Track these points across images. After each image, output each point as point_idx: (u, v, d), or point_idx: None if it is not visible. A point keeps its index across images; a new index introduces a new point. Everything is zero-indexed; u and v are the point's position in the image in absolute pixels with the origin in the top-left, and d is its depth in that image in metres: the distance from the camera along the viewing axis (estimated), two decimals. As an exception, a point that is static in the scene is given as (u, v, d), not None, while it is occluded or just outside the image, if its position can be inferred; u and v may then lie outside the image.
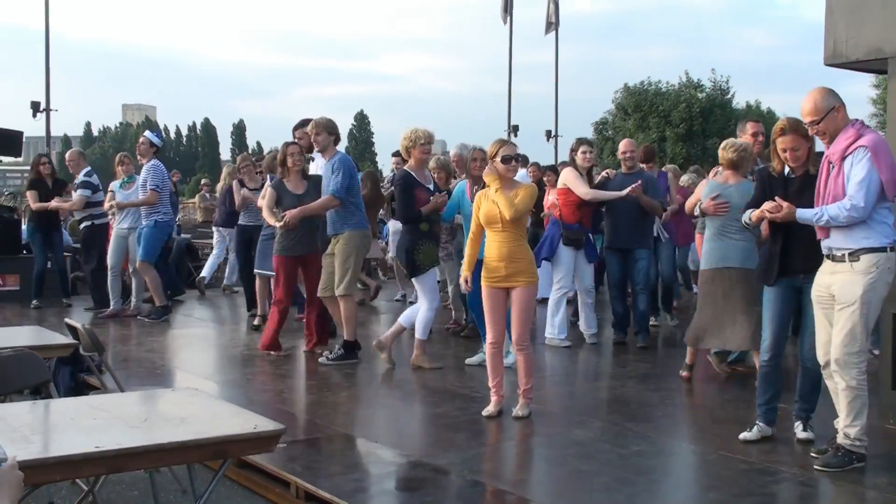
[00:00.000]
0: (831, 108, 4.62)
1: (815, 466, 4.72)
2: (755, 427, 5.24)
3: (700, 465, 4.98)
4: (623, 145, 8.45)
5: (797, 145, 4.98)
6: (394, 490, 4.60)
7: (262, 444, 3.08)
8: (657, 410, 6.06)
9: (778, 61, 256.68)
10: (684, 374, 6.92)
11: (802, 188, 5.02)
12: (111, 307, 10.25)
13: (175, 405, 3.45)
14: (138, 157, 10.20)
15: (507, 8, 20.17)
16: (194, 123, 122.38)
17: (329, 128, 7.59)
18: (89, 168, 10.90)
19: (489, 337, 5.91)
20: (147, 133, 10.41)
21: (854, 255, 4.58)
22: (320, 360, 7.51)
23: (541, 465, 5.07)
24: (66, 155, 11.13)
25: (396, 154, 10.20)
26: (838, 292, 4.63)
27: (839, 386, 4.68)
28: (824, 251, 4.76)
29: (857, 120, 4.72)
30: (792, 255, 5.07)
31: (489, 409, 5.83)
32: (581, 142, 8.40)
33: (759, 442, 5.15)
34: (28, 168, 11.47)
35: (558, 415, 5.97)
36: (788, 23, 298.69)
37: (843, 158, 4.57)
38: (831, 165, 4.66)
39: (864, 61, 5.84)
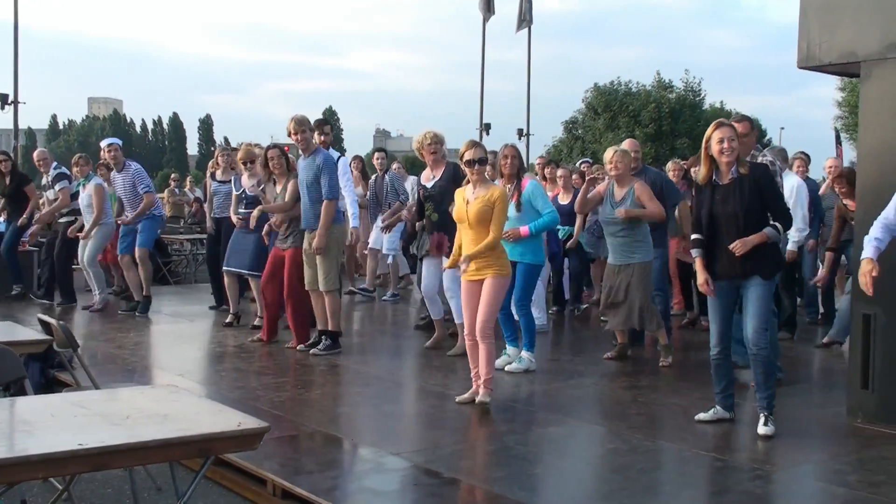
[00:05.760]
0: None
1: None
2: (712, 410, 5.53)
3: (675, 462, 5.03)
4: (627, 144, 7.88)
5: (733, 136, 5.16)
6: (371, 488, 4.59)
7: (245, 441, 3.07)
8: (630, 408, 6.10)
9: (744, 63, 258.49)
10: (608, 355, 7.50)
11: (727, 195, 5.17)
12: (98, 299, 10.22)
13: (157, 402, 3.41)
14: (113, 166, 10.14)
15: (490, 6, 19.98)
16: (160, 118, 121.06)
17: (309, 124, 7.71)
18: (56, 163, 10.88)
19: (465, 329, 6.11)
20: (108, 140, 10.22)
21: None
22: (312, 352, 7.63)
23: (517, 462, 5.09)
24: (35, 155, 10.96)
25: (379, 150, 11.19)
26: None
27: None
28: None
29: None
30: (721, 262, 5.25)
31: (463, 395, 6.03)
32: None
33: (737, 440, 5.25)
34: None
35: (534, 412, 6.00)
36: (755, 25, 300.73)
37: None
38: None
39: (837, 64, 5.90)
